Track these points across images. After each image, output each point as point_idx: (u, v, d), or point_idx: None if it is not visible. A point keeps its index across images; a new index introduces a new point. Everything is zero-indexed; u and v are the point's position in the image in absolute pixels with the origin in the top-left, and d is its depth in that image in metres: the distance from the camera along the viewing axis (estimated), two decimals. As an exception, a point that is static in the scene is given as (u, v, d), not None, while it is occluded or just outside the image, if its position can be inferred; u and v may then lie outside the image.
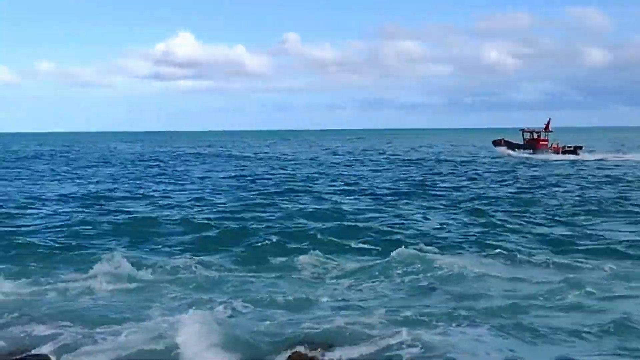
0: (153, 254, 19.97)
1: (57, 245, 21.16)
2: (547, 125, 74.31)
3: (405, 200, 31.82)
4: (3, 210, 29.26)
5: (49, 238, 22.43)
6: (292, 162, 67.93)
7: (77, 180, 46.06)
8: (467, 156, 76.46)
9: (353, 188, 38.40)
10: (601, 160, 63.76)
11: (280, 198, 32.99)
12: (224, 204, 31.13)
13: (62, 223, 25.46)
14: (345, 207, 29.10)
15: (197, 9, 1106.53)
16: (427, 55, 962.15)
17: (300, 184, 41.59)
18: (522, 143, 75.12)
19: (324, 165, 62.99)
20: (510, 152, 73.48)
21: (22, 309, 13.95)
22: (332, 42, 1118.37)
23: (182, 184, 42.39)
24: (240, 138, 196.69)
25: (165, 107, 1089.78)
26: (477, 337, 11.95)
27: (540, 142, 73.47)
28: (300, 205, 29.99)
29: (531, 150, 71.98)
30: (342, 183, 41.95)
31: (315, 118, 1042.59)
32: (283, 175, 48.97)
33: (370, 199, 32.98)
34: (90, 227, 24.30)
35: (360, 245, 20.63)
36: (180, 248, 20.81)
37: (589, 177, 45.48)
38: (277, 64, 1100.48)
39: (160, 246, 21.25)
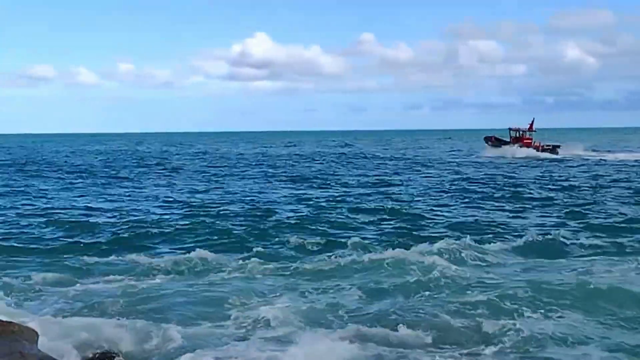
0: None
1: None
2: (531, 125, 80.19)
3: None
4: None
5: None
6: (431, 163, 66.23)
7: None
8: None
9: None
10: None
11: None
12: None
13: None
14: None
15: (272, 9, 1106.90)
16: (504, 54, 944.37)
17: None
18: (508, 140, 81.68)
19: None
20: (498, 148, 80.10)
21: (113, 304, 13.78)
22: (407, 42, 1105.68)
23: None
24: (347, 138, 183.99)
25: (242, 107, 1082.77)
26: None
27: (525, 141, 79.68)
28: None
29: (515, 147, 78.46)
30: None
31: (392, 118, 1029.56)
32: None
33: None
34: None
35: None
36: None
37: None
38: (352, 64, 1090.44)
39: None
